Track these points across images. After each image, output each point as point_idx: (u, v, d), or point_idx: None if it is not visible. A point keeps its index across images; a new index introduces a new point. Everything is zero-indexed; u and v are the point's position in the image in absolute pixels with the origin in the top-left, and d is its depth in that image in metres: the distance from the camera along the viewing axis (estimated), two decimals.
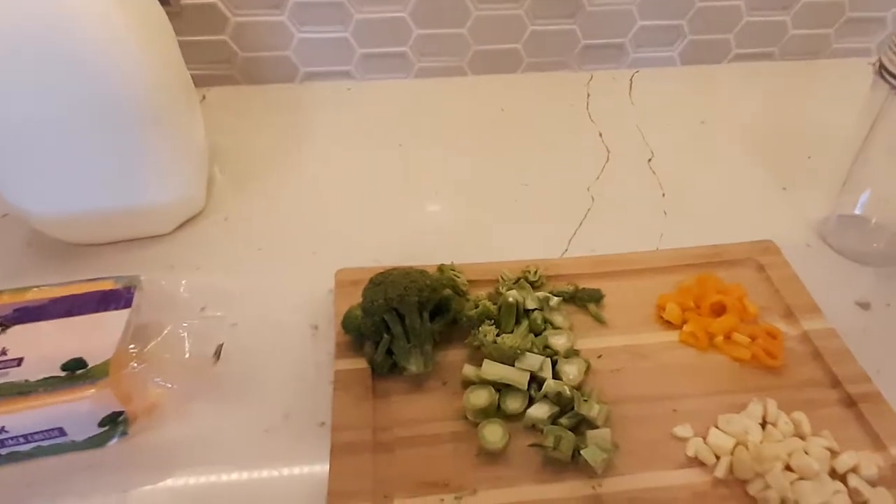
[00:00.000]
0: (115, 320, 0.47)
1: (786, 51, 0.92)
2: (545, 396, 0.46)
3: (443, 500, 0.42)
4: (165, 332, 0.47)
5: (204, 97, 0.83)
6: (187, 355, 0.47)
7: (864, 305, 0.57)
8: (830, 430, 0.45)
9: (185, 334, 0.47)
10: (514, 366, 0.48)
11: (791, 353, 0.51)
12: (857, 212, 0.63)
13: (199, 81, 0.65)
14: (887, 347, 0.53)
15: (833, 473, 0.43)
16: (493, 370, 0.47)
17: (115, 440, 0.45)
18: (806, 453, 0.43)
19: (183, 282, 0.53)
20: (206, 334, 0.50)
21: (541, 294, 0.54)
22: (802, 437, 0.45)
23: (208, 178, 0.68)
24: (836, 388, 0.49)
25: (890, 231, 0.62)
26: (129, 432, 0.46)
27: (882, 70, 0.54)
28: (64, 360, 0.44)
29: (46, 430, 0.43)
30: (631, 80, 0.90)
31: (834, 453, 0.44)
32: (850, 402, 0.47)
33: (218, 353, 0.49)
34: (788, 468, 0.43)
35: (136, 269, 0.57)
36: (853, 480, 0.42)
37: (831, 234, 0.64)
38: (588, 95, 0.87)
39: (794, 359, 0.51)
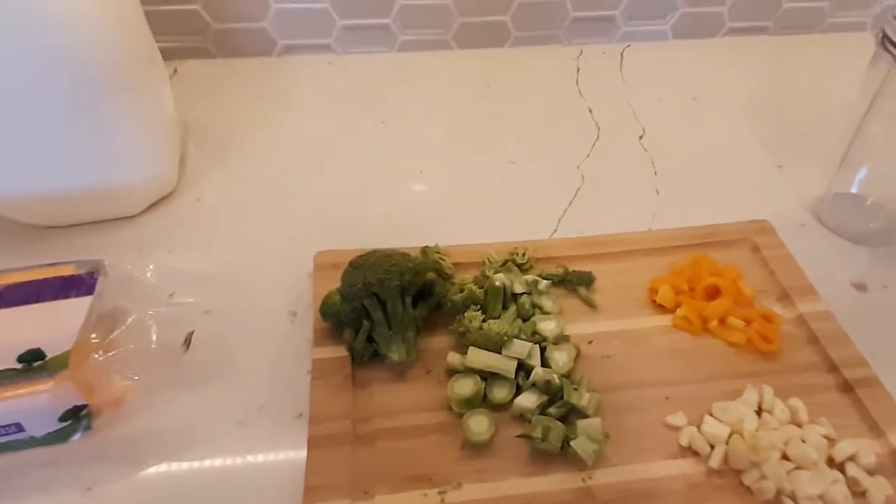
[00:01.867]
0: (76, 308, 0.44)
1: (780, 24, 0.90)
2: (533, 385, 0.44)
3: (426, 494, 0.40)
4: (130, 320, 0.44)
5: (176, 70, 0.79)
6: (154, 344, 0.44)
7: (860, 287, 0.56)
8: (827, 417, 0.44)
9: (152, 322, 0.44)
10: (500, 353, 0.45)
11: (787, 336, 0.50)
12: (853, 190, 0.61)
13: (170, 54, 0.61)
14: (884, 330, 0.52)
15: (830, 462, 0.42)
16: (478, 358, 0.45)
17: (78, 435, 0.43)
18: (803, 441, 0.42)
19: (150, 266, 0.50)
20: (175, 322, 0.47)
21: (529, 277, 0.51)
22: (799, 425, 0.43)
23: (181, 156, 0.65)
24: (833, 372, 0.47)
25: (887, 210, 0.60)
26: (92, 427, 0.43)
27: (885, 41, 0.52)
28: (21, 352, 0.41)
29: (3, 426, 0.40)
30: (622, 54, 0.87)
31: (831, 441, 0.42)
32: (848, 388, 0.46)
33: (188, 342, 0.46)
34: (785, 457, 0.41)
35: (101, 252, 0.54)
36: (851, 469, 0.41)
37: (827, 213, 0.62)
38: (578, 70, 0.84)
39: (789, 343, 0.49)
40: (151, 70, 0.58)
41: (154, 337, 0.44)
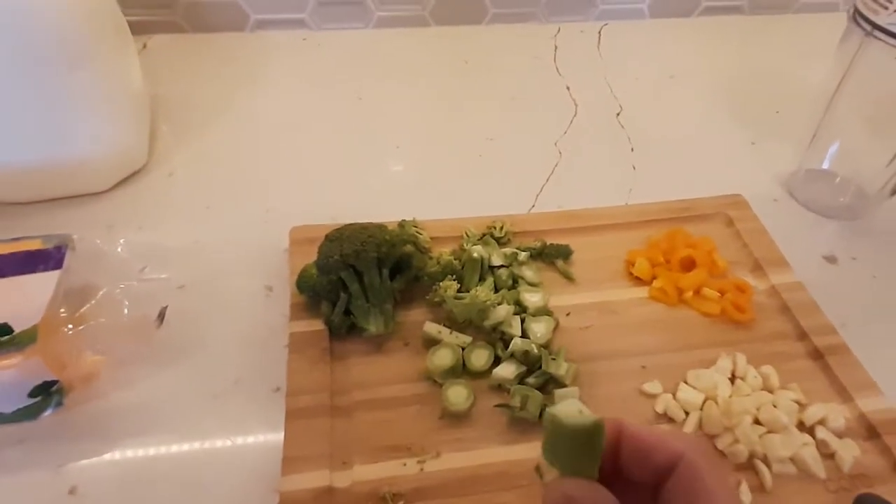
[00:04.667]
0: (43, 282, 0.42)
1: (755, 4, 0.91)
2: (512, 355, 0.44)
3: (405, 464, 0.40)
4: (100, 294, 0.43)
5: (145, 45, 0.77)
6: (126, 319, 0.43)
7: (831, 259, 0.57)
8: (798, 383, 0.45)
9: (123, 297, 0.43)
10: (482, 322, 0.45)
11: (759, 306, 0.50)
12: (824, 166, 0.62)
13: (139, 28, 0.59)
14: (853, 300, 0.53)
15: (801, 426, 0.42)
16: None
17: (49, 412, 0.42)
18: (774, 407, 0.42)
19: (121, 241, 0.48)
20: (148, 297, 0.46)
21: (507, 250, 0.51)
22: (771, 391, 0.44)
23: (151, 131, 0.64)
24: (804, 340, 0.48)
25: (855, 184, 0.62)
26: (64, 403, 0.42)
27: (856, 15, 0.52)
28: None
29: None
30: (599, 32, 0.87)
31: (802, 406, 0.43)
32: (818, 355, 0.47)
33: (161, 317, 0.45)
34: (757, 422, 0.42)
35: (70, 228, 0.52)
36: (821, 433, 0.42)
37: (798, 187, 0.63)
38: (555, 48, 0.83)
39: (762, 313, 0.50)
40: (117, 42, 0.56)
41: (126, 311, 0.43)
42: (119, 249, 0.47)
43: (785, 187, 0.64)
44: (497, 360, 0.45)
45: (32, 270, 0.43)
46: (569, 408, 0.27)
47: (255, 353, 0.47)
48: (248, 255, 0.54)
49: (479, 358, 0.45)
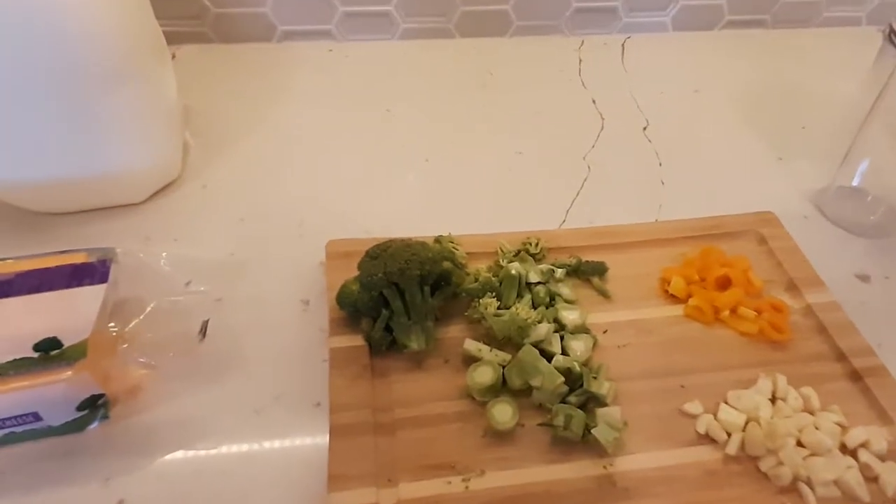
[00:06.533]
0: (90, 296, 0.43)
1: (777, 18, 0.91)
2: None
3: (450, 482, 0.40)
4: (149, 308, 0.43)
5: (174, 56, 0.77)
6: (170, 333, 0.43)
7: (864, 278, 0.57)
8: (838, 405, 0.45)
9: (169, 311, 0.44)
10: (521, 339, 0.46)
11: (795, 326, 0.51)
12: (855, 183, 0.62)
13: (168, 39, 0.60)
14: (888, 320, 0.53)
15: (843, 448, 0.43)
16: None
17: (95, 424, 0.42)
18: (816, 429, 0.42)
19: (164, 254, 0.49)
20: (190, 311, 0.46)
21: (544, 266, 0.52)
22: (812, 413, 0.44)
23: (182, 143, 0.64)
24: (842, 361, 0.48)
25: (886, 203, 0.62)
26: (110, 416, 0.42)
27: (892, 35, 0.52)
28: (35, 340, 0.40)
29: (20, 416, 0.39)
30: (623, 45, 0.87)
31: (843, 428, 0.43)
32: (856, 377, 0.47)
33: (204, 330, 0.45)
34: (799, 444, 0.42)
35: (108, 240, 0.53)
36: (864, 456, 0.42)
37: (828, 205, 0.63)
38: (580, 61, 0.84)
39: (798, 332, 0.50)
40: (156, 57, 0.57)
41: (171, 326, 0.43)
42: (162, 263, 0.48)
43: (814, 204, 0.64)
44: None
45: (79, 284, 0.44)
46: None
47: (294, 368, 0.48)
48: (283, 269, 0.55)
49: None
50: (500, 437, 0.43)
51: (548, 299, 0.50)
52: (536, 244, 0.54)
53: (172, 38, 0.77)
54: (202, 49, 0.80)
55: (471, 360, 0.46)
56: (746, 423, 0.43)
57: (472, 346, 0.47)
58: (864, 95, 0.57)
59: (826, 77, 0.82)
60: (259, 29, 0.81)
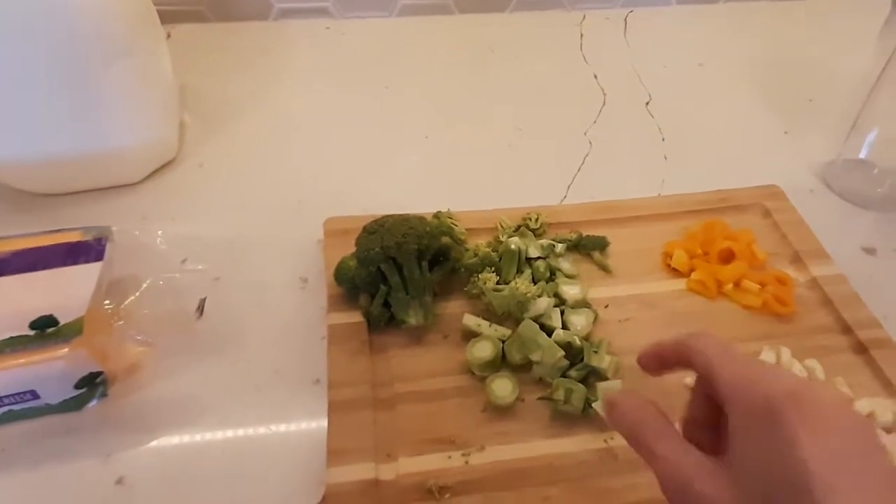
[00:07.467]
0: (85, 274, 0.42)
1: None
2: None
3: (450, 456, 0.40)
4: (144, 285, 0.43)
5: (169, 35, 0.77)
6: (168, 311, 0.43)
7: (870, 251, 0.56)
8: (843, 377, 0.44)
9: (166, 288, 0.43)
10: (521, 314, 0.45)
11: (800, 299, 0.50)
12: (861, 156, 0.61)
13: (163, 18, 0.59)
14: (894, 292, 0.52)
15: None
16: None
17: (93, 402, 0.42)
18: None
19: (160, 232, 0.48)
20: (186, 288, 0.46)
21: (544, 241, 0.51)
22: None
23: (179, 122, 0.63)
24: (847, 334, 0.48)
25: (893, 175, 0.61)
26: (108, 393, 0.42)
27: None
28: (32, 318, 0.40)
29: (18, 394, 0.39)
30: (625, 19, 0.86)
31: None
32: (862, 349, 0.46)
33: (201, 308, 0.45)
34: None
35: (105, 219, 0.52)
36: None
37: (835, 178, 0.62)
38: (581, 36, 0.82)
39: (803, 305, 0.49)
40: (151, 35, 0.56)
41: (168, 303, 0.43)
42: (158, 241, 0.47)
43: (820, 177, 0.63)
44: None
45: (75, 262, 0.43)
46: None
47: (293, 345, 0.47)
48: (282, 246, 0.54)
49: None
50: (499, 411, 0.42)
51: (548, 274, 0.49)
52: (536, 219, 0.54)
53: (169, 17, 0.77)
54: (199, 28, 0.79)
55: (470, 336, 0.46)
56: None
57: (471, 321, 0.46)
58: (872, 66, 0.56)
59: (833, 49, 0.81)
60: (256, 7, 0.79)
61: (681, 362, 0.30)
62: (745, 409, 0.26)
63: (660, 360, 0.32)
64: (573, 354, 0.44)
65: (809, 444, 0.23)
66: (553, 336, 0.44)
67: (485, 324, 0.46)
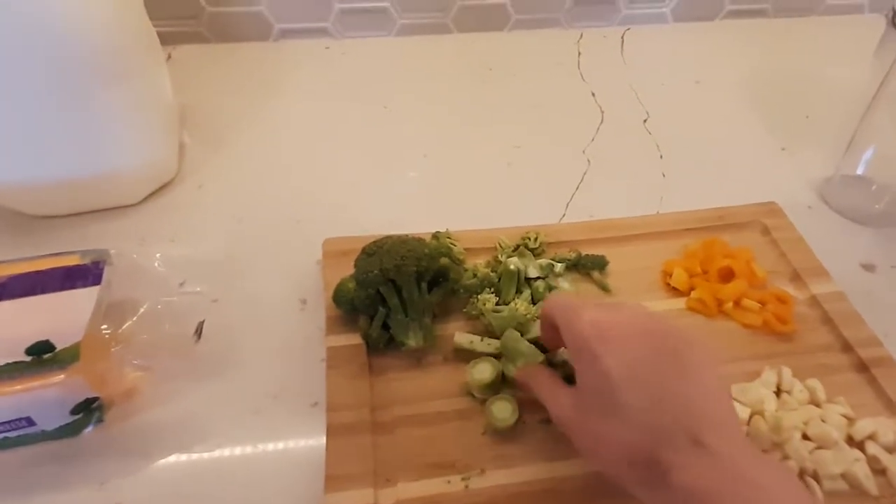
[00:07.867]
0: (83, 298, 0.42)
1: (779, 7, 0.90)
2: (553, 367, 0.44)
3: (449, 481, 0.40)
4: (142, 309, 0.43)
5: (170, 56, 0.77)
6: (166, 335, 0.43)
7: (869, 267, 0.56)
8: (844, 396, 0.44)
9: (164, 312, 0.43)
10: (521, 335, 0.45)
11: (800, 317, 0.50)
12: (859, 172, 0.61)
13: (164, 39, 0.59)
14: (894, 310, 0.52)
15: (850, 441, 0.42)
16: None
17: (90, 428, 0.41)
18: (823, 421, 0.42)
19: (157, 255, 0.48)
20: (185, 312, 0.46)
21: (543, 261, 0.51)
22: (818, 405, 0.43)
23: (178, 143, 0.63)
24: (848, 352, 0.47)
25: (891, 191, 0.61)
26: (105, 419, 0.42)
27: (895, 20, 0.51)
28: (28, 344, 0.39)
29: (13, 421, 0.39)
30: (622, 37, 0.86)
31: (850, 420, 0.43)
32: (863, 367, 0.46)
33: (199, 332, 0.45)
34: (805, 437, 0.41)
35: (103, 242, 0.52)
36: (871, 448, 0.41)
37: (832, 194, 0.62)
38: (579, 54, 0.83)
39: (804, 324, 0.49)
40: (150, 57, 0.56)
41: (166, 327, 0.43)
42: (156, 264, 0.47)
43: (818, 194, 0.63)
44: None
45: (72, 286, 0.43)
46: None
47: (291, 368, 0.47)
48: (281, 268, 0.54)
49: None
50: (500, 434, 0.42)
51: (547, 294, 0.49)
52: (535, 239, 0.54)
53: (169, 39, 0.77)
54: (199, 49, 0.79)
55: (463, 354, 0.46)
56: (751, 416, 0.42)
57: (463, 339, 0.46)
58: (868, 83, 0.56)
59: (829, 66, 0.81)
60: (255, 27, 0.80)
61: (553, 326, 0.38)
62: (572, 345, 0.35)
63: (550, 331, 0.39)
64: (572, 374, 0.43)
65: (607, 357, 0.33)
66: (556, 355, 0.44)
67: (476, 339, 0.46)
